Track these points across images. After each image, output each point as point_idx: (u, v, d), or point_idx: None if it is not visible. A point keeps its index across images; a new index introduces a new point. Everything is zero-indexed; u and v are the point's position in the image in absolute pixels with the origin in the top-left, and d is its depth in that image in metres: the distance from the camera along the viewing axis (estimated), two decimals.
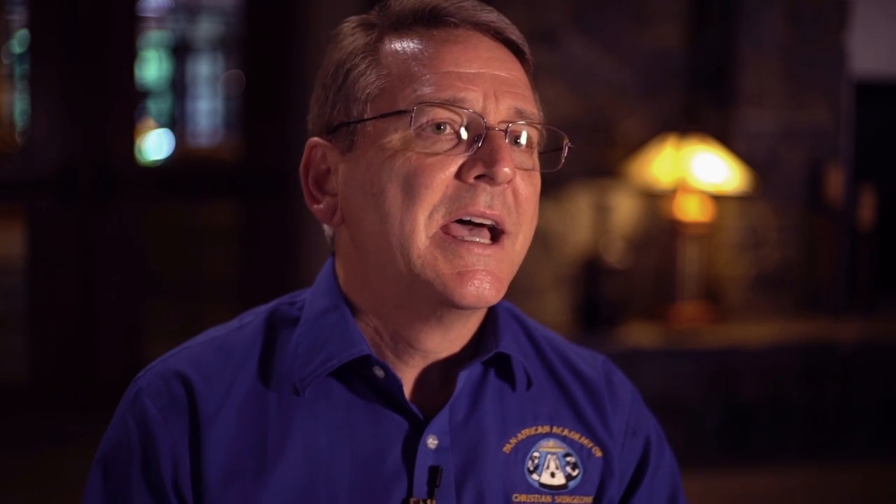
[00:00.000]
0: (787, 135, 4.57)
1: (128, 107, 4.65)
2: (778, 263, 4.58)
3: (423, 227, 1.13)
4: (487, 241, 1.14)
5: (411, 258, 1.13)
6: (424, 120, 1.13)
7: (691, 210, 4.35)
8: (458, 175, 1.13)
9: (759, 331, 4.41)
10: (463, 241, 1.13)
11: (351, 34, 1.21)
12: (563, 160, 1.22)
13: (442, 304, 1.14)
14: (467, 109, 1.13)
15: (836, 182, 4.52)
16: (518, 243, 1.17)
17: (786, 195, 4.57)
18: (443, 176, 1.13)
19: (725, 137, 4.43)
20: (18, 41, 4.76)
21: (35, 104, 4.56)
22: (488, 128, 1.13)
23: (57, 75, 4.51)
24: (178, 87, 5.71)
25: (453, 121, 1.13)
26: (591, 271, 4.28)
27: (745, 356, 4.26)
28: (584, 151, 4.21)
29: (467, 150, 1.13)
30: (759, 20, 4.44)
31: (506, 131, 1.14)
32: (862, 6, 4.61)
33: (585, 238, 4.39)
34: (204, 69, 5.84)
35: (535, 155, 1.19)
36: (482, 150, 1.13)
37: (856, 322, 4.57)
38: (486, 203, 1.13)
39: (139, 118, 4.97)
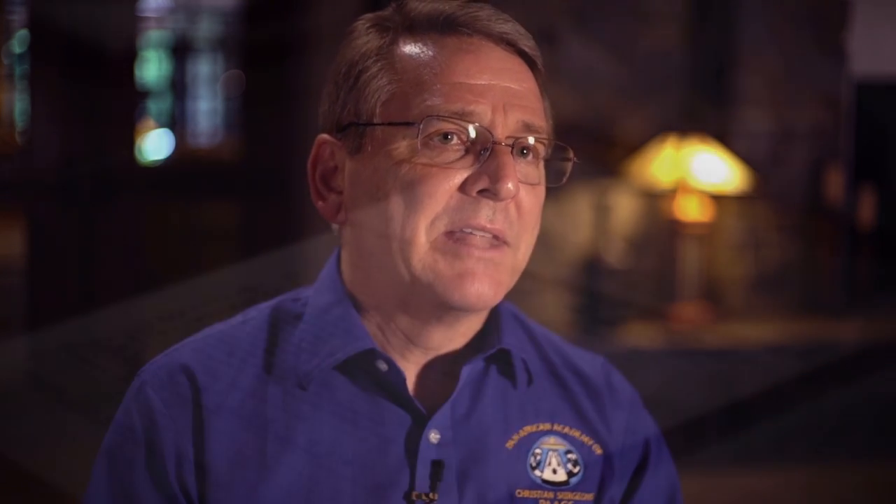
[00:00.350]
0: (787, 135, 4.57)
1: (128, 107, 4.65)
2: (778, 263, 4.58)
3: (423, 235, 1.13)
4: (487, 243, 1.15)
5: (412, 262, 1.14)
6: (432, 130, 1.14)
7: (691, 210, 4.35)
8: (462, 187, 1.14)
9: (759, 331, 4.41)
10: (464, 242, 1.13)
11: (365, 34, 1.22)
12: (566, 175, 1.23)
13: (441, 305, 1.15)
14: (475, 123, 1.14)
15: (836, 182, 4.52)
16: (520, 253, 1.18)
17: (786, 195, 4.57)
18: (446, 187, 1.13)
19: (725, 137, 4.43)
20: (18, 41, 4.76)
21: (35, 104, 4.56)
22: (495, 142, 1.14)
23: (57, 75, 4.51)
24: (178, 87, 5.71)
25: (461, 132, 1.14)
26: (591, 271, 4.28)
27: (745, 356, 4.26)
28: (584, 151, 4.21)
29: (473, 162, 1.14)
30: (760, 20, 4.44)
31: (512, 146, 1.14)
32: (862, 6, 4.61)
33: (585, 238, 4.39)
34: (204, 69, 5.85)
35: (541, 166, 1.20)
36: (487, 164, 1.13)
37: (856, 322, 4.57)
38: (487, 217, 1.13)
39: (139, 118, 4.97)
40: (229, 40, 5.53)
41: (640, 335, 4.21)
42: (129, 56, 4.65)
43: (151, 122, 5.62)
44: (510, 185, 1.12)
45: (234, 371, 1.20)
